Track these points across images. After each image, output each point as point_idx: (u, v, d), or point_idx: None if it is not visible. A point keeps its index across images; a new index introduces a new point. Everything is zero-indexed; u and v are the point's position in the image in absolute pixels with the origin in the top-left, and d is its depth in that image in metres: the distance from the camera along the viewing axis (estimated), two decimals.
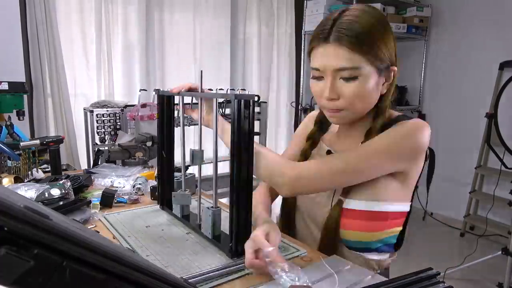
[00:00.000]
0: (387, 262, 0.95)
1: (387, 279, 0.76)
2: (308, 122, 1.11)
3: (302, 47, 3.56)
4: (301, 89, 3.65)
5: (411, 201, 0.95)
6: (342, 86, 0.82)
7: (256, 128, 3.24)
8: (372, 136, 0.88)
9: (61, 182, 1.21)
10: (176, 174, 1.18)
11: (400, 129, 0.85)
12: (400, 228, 0.95)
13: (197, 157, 0.94)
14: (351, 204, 0.88)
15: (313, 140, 1.03)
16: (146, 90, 2.81)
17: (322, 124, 1.05)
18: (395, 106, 3.66)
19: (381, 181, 0.87)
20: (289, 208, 1.03)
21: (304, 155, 1.01)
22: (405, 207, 0.93)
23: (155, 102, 2.65)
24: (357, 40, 0.78)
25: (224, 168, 3.53)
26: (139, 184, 1.31)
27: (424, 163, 0.91)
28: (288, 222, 1.04)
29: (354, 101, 0.83)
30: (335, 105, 0.85)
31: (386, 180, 0.88)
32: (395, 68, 0.87)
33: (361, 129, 0.93)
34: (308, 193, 0.92)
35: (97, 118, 2.42)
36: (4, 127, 1.68)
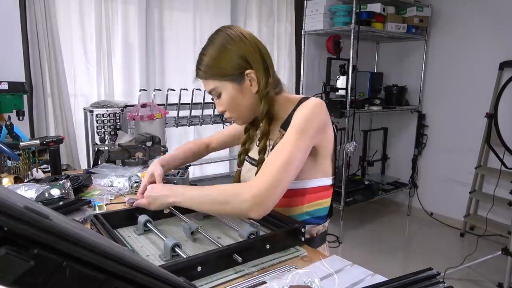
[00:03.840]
0: (316, 229, 1.07)
1: (387, 279, 0.75)
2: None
3: (302, 47, 3.56)
4: (301, 89, 3.64)
5: (333, 174, 1.07)
6: (218, 101, 1.03)
7: None
8: (263, 119, 1.02)
9: (61, 182, 1.21)
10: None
11: (304, 110, 0.97)
12: (325, 201, 1.07)
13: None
14: None
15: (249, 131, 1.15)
16: (146, 90, 2.81)
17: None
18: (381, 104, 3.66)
19: None
20: None
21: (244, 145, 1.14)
22: (324, 181, 1.05)
23: (155, 102, 2.65)
24: (203, 71, 1.00)
25: (225, 168, 3.54)
26: (136, 182, 1.31)
27: (335, 137, 1.04)
28: None
29: (230, 109, 1.03)
30: (226, 115, 1.06)
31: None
32: (248, 71, 0.98)
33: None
34: (275, 202, 0.89)
35: (97, 118, 2.41)
36: (4, 127, 1.68)
